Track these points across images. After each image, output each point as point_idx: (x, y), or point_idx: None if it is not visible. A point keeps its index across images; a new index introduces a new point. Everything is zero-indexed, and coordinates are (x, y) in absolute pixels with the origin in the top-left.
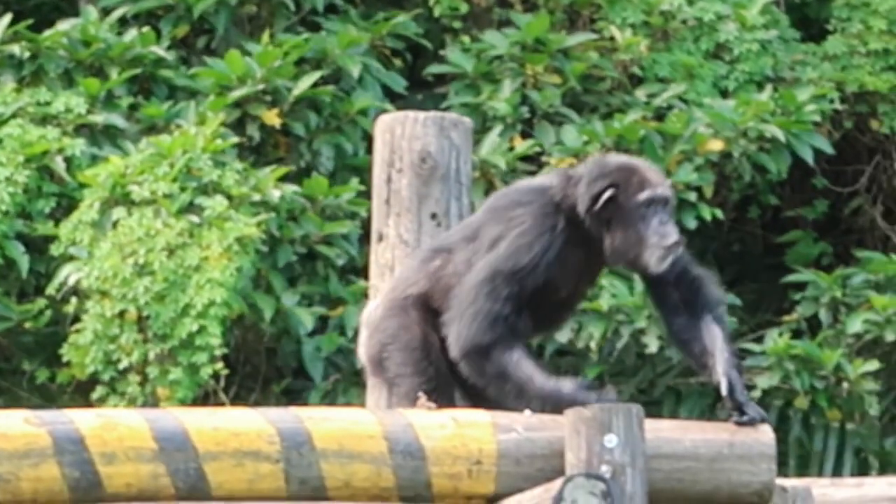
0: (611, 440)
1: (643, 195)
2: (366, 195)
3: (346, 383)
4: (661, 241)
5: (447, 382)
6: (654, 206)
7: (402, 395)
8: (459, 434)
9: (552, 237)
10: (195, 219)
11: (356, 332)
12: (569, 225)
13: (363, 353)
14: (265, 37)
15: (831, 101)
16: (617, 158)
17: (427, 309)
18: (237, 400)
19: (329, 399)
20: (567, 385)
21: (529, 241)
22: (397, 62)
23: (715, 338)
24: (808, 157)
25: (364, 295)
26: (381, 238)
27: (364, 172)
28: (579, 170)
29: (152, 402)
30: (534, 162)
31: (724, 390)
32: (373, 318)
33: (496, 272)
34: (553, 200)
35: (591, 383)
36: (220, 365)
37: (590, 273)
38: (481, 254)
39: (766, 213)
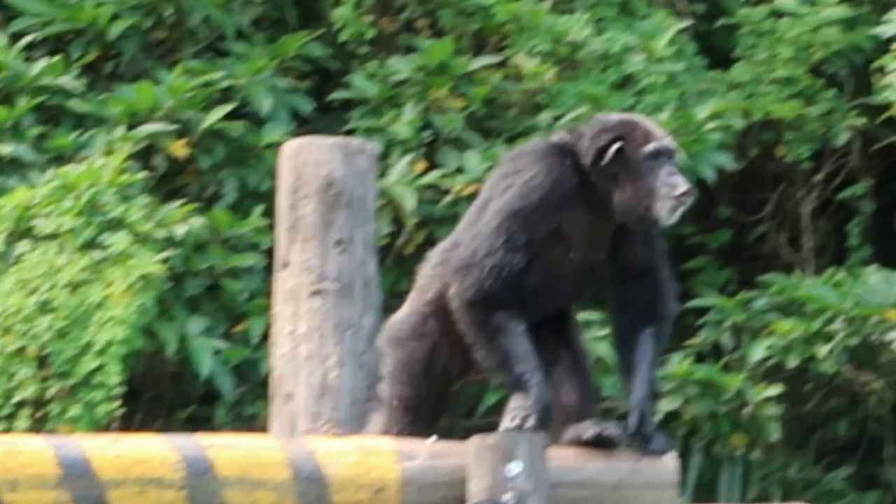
0: (514, 468)
1: (650, 147)
2: (271, 225)
3: (252, 394)
4: (671, 192)
5: (437, 402)
6: (661, 158)
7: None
8: (363, 462)
9: (562, 180)
10: (99, 255)
11: (263, 340)
12: (578, 181)
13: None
14: (178, 69)
15: (730, 119)
16: (618, 115)
17: (446, 313)
18: (143, 426)
19: (236, 411)
20: (537, 382)
21: (540, 182)
22: (304, 84)
23: (643, 359)
24: (710, 176)
25: (268, 310)
26: (285, 265)
27: (268, 200)
28: (584, 128)
29: None
30: (437, 188)
31: (632, 421)
32: (391, 325)
33: (508, 214)
34: (562, 153)
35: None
36: (116, 404)
37: (599, 239)
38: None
39: (670, 238)
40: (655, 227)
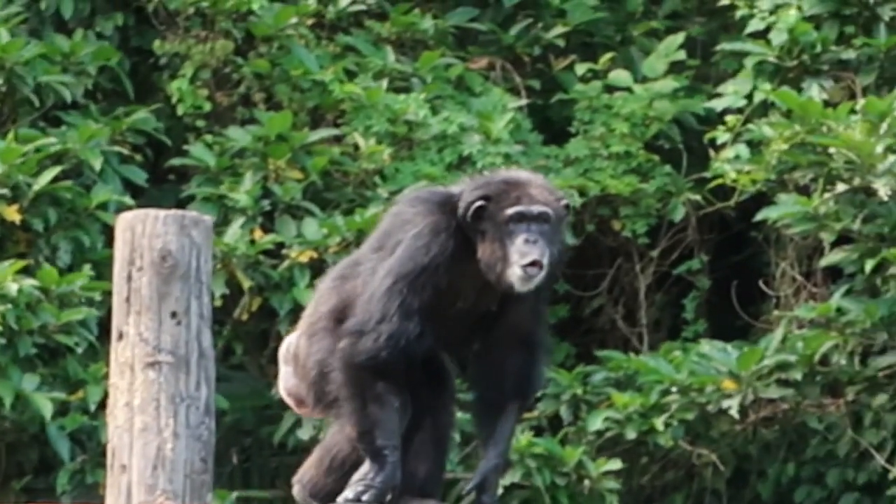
0: None
1: (511, 210)
2: (106, 292)
3: (92, 463)
4: (520, 260)
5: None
6: (523, 223)
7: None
8: None
9: (447, 238)
10: None
11: (100, 407)
12: (462, 235)
13: (290, 388)
14: (10, 136)
15: (570, 197)
16: (511, 172)
17: (342, 322)
18: None
19: (77, 479)
20: (392, 462)
21: (426, 243)
22: (138, 157)
23: (502, 432)
24: None
25: (104, 378)
26: (121, 336)
27: (102, 266)
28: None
29: None
30: (275, 255)
31: (472, 483)
32: (298, 348)
33: (398, 277)
34: (447, 205)
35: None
36: None
37: (488, 290)
38: (385, 259)
39: None
40: (541, 293)
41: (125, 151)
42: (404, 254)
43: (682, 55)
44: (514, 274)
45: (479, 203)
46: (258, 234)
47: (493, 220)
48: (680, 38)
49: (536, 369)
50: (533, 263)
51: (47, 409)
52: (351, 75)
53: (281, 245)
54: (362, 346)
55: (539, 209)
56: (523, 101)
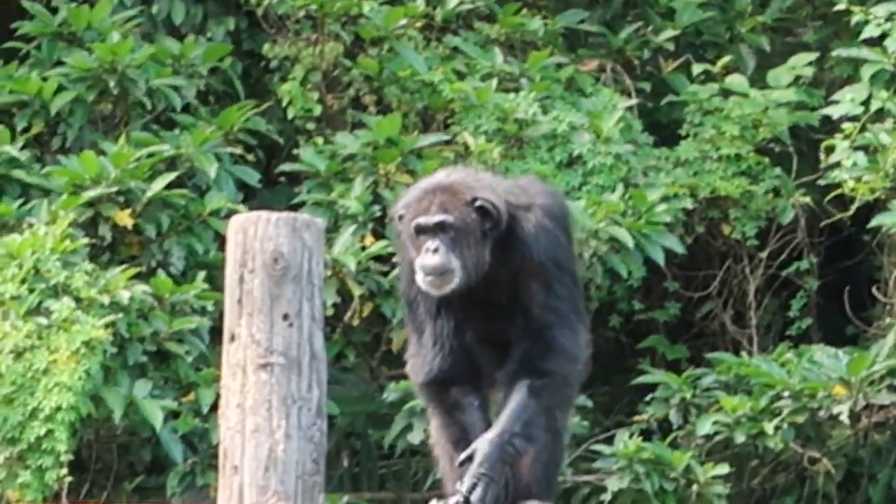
0: None
1: (413, 222)
2: (215, 291)
3: (203, 465)
4: (421, 270)
5: None
6: (424, 234)
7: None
8: None
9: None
10: (43, 321)
11: (211, 410)
12: None
13: None
14: (122, 138)
15: (680, 201)
16: (434, 178)
17: None
18: (88, 498)
19: (188, 480)
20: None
21: (404, 263)
22: (250, 157)
23: (508, 409)
24: (659, 258)
25: (216, 381)
26: (233, 338)
27: (214, 270)
28: None
29: None
30: (386, 261)
31: (461, 458)
32: None
33: (406, 302)
34: None
35: None
36: (64, 471)
37: (493, 284)
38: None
39: (618, 313)
40: (553, 287)
41: (238, 152)
42: (401, 277)
43: (809, 72)
44: (422, 280)
45: (398, 216)
46: (369, 240)
47: (407, 230)
48: (810, 56)
49: (550, 353)
50: (434, 272)
51: (158, 418)
52: (460, 76)
53: (393, 253)
54: (418, 365)
55: (436, 219)
56: (633, 102)
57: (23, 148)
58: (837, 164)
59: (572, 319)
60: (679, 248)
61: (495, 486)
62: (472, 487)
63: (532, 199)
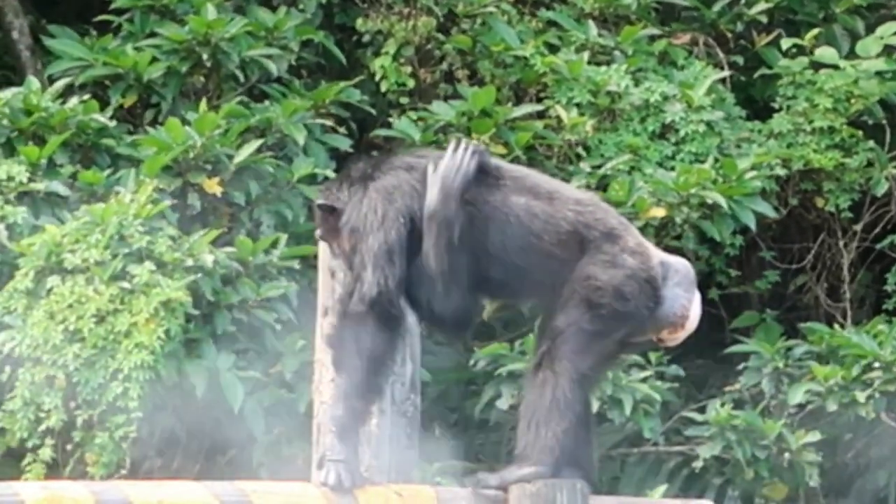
0: None
1: None
2: (305, 261)
3: (289, 435)
4: None
5: None
6: None
7: None
8: None
9: None
10: (126, 285)
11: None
12: None
13: None
14: (202, 104)
15: (772, 169)
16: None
17: None
18: (182, 472)
19: (274, 451)
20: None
21: None
22: (342, 129)
23: None
24: (751, 222)
25: (301, 350)
26: (326, 312)
27: (304, 240)
28: None
29: (80, 468)
30: None
31: None
32: None
33: None
34: None
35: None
36: (133, 427)
37: None
38: None
39: (717, 286)
40: None
41: (328, 123)
42: None
43: None
44: None
45: None
46: None
47: None
48: None
49: None
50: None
51: (238, 395)
52: (552, 50)
53: None
54: None
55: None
56: (725, 74)
57: (114, 119)
58: None
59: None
60: (771, 213)
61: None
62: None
63: None
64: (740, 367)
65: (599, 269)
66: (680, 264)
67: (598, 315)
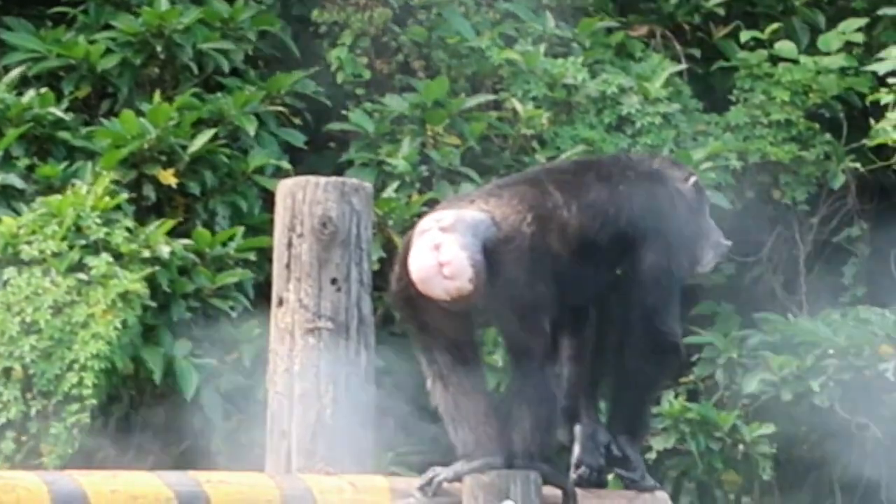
0: None
1: None
2: (261, 252)
3: (247, 423)
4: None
5: None
6: None
7: None
8: (357, 499)
9: None
10: (83, 277)
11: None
12: None
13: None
14: (156, 95)
15: (727, 161)
16: None
17: None
18: (138, 462)
19: (232, 439)
20: None
21: None
22: (297, 121)
23: None
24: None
25: (258, 338)
26: (281, 302)
27: (260, 231)
28: None
29: (34, 458)
30: None
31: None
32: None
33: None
34: None
35: None
36: (86, 415)
37: None
38: None
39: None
40: None
41: (282, 110)
42: None
43: (859, 37)
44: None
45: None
46: (417, 199)
47: None
48: (859, 21)
49: None
50: None
51: (193, 381)
52: (509, 42)
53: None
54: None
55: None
56: (682, 67)
57: (69, 111)
58: (885, 122)
59: None
60: (726, 205)
61: None
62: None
63: None
64: (694, 358)
65: None
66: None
67: None
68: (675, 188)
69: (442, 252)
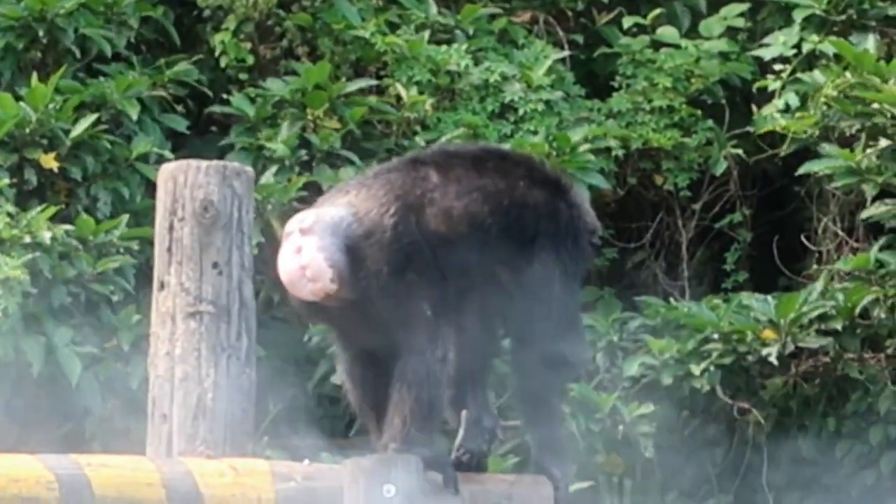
0: (389, 490)
1: None
2: (143, 239)
3: (123, 409)
4: None
5: None
6: None
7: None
8: (238, 482)
9: None
10: None
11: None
12: None
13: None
14: (34, 78)
15: (610, 150)
16: None
17: None
18: (19, 446)
19: (107, 425)
20: None
21: None
22: (180, 108)
23: None
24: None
25: (137, 325)
26: (162, 286)
27: (141, 217)
28: None
29: None
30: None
31: None
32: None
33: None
34: None
35: None
36: None
37: None
38: None
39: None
40: None
41: (165, 95)
42: None
43: (740, 22)
44: None
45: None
46: (296, 181)
47: None
48: (742, 6)
49: None
50: None
51: (76, 370)
52: (393, 27)
53: (319, 192)
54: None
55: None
56: (565, 53)
57: None
58: (771, 108)
59: None
60: (604, 184)
61: None
62: None
63: None
64: None
65: None
66: None
67: None
68: (576, 205)
69: (302, 255)
